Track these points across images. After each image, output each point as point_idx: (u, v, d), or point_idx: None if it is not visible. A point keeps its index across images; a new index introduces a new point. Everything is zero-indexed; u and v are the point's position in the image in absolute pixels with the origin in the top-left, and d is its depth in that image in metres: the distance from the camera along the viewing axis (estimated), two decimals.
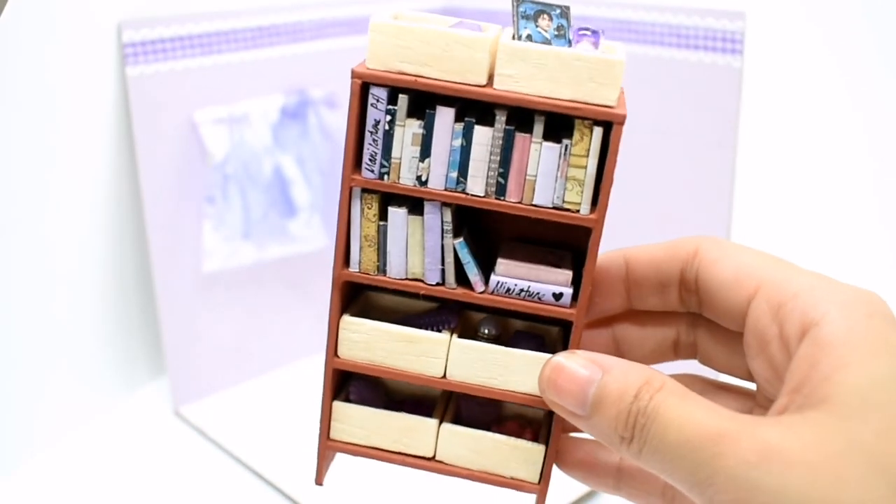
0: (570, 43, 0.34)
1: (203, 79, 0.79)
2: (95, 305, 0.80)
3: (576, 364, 0.34)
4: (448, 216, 0.36)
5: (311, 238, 0.89)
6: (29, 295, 0.73)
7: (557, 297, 0.37)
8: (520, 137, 0.34)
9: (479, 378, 0.38)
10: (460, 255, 0.36)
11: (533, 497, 0.40)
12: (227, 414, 0.84)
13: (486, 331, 0.40)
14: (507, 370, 0.38)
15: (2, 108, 0.67)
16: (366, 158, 0.35)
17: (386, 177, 0.35)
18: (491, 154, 0.35)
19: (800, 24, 0.83)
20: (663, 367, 0.40)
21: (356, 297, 0.40)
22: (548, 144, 0.34)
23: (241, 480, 0.76)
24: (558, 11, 0.34)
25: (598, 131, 0.34)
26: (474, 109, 0.35)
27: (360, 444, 0.40)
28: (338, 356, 0.39)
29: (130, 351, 0.85)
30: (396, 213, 0.36)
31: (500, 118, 0.34)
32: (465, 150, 0.35)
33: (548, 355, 0.36)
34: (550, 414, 0.38)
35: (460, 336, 0.39)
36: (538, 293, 0.37)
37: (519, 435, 0.40)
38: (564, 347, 0.38)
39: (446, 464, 0.40)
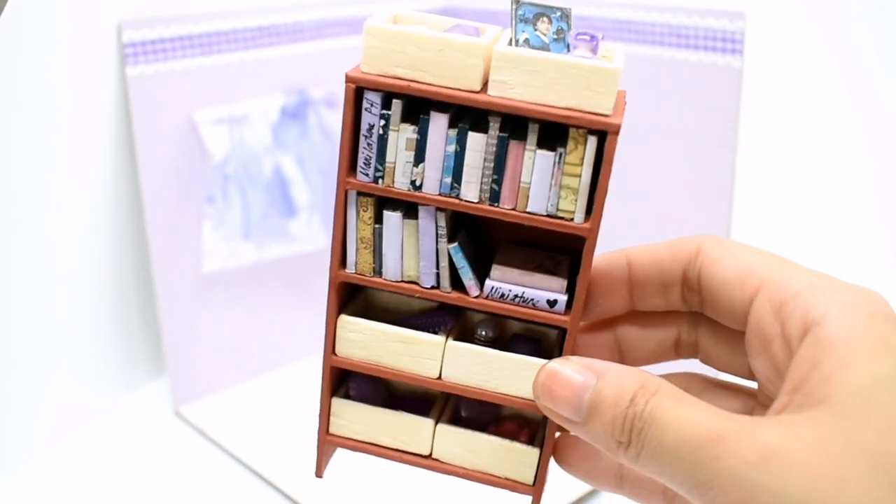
0: (568, 47, 0.34)
1: (203, 79, 0.79)
2: (95, 305, 0.80)
3: (570, 370, 0.34)
4: (442, 221, 0.36)
5: (311, 238, 0.89)
6: (29, 295, 0.73)
7: (552, 303, 0.37)
8: (514, 145, 0.34)
9: (473, 380, 0.38)
10: (455, 259, 0.36)
11: (529, 498, 0.40)
12: (227, 414, 0.84)
13: (483, 333, 0.40)
14: (502, 374, 0.38)
15: (2, 108, 0.67)
16: (360, 162, 0.35)
17: (380, 180, 0.35)
18: (485, 160, 0.34)
19: (800, 24, 0.83)
20: (664, 367, 0.40)
21: (357, 294, 0.41)
22: (541, 152, 0.34)
23: (241, 480, 0.76)
24: (559, 14, 0.34)
25: (592, 140, 0.33)
26: (469, 115, 0.35)
27: (358, 440, 0.40)
28: (336, 354, 0.39)
29: (130, 351, 0.85)
30: (391, 217, 0.36)
31: (494, 125, 0.34)
32: (459, 156, 0.35)
33: (542, 361, 0.36)
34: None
35: (458, 337, 0.39)
36: (532, 299, 0.37)
37: (517, 434, 0.40)
38: (562, 351, 0.38)
39: (442, 462, 0.40)
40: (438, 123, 0.34)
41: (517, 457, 0.39)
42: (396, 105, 0.34)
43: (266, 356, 0.91)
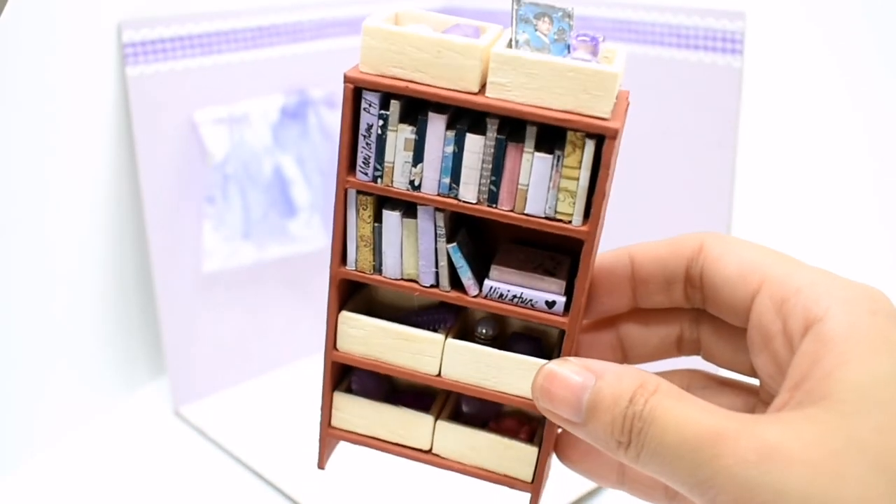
0: (569, 48, 0.34)
1: (203, 79, 0.79)
2: (95, 305, 0.80)
3: (568, 371, 0.34)
4: (441, 221, 0.36)
5: (311, 238, 0.89)
6: (29, 295, 0.73)
7: (550, 304, 0.37)
8: (511, 147, 0.34)
9: (472, 378, 0.38)
10: (454, 259, 0.36)
11: (529, 496, 0.40)
12: (227, 414, 0.84)
13: (484, 331, 0.40)
14: (501, 372, 0.38)
15: (2, 108, 0.67)
16: (360, 161, 0.35)
17: (379, 180, 0.35)
18: (483, 162, 0.34)
19: (800, 24, 0.83)
20: (667, 364, 0.40)
21: (360, 289, 0.41)
22: (539, 155, 0.34)
23: (241, 480, 0.76)
24: (560, 14, 0.34)
25: (590, 144, 0.33)
26: (468, 116, 0.35)
27: (359, 434, 0.41)
28: (337, 349, 0.39)
29: (130, 351, 0.85)
30: (390, 216, 0.36)
31: (492, 127, 0.34)
32: (458, 157, 0.34)
33: (541, 360, 0.36)
34: None
35: (458, 335, 0.39)
36: (531, 300, 0.37)
37: (517, 431, 0.40)
38: (561, 352, 0.38)
39: (442, 458, 0.40)
40: (436, 125, 0.34)
41: (516, 454, 0.39)
42: (395, 105, 0.34)
43: (266, 356, 0.91)
